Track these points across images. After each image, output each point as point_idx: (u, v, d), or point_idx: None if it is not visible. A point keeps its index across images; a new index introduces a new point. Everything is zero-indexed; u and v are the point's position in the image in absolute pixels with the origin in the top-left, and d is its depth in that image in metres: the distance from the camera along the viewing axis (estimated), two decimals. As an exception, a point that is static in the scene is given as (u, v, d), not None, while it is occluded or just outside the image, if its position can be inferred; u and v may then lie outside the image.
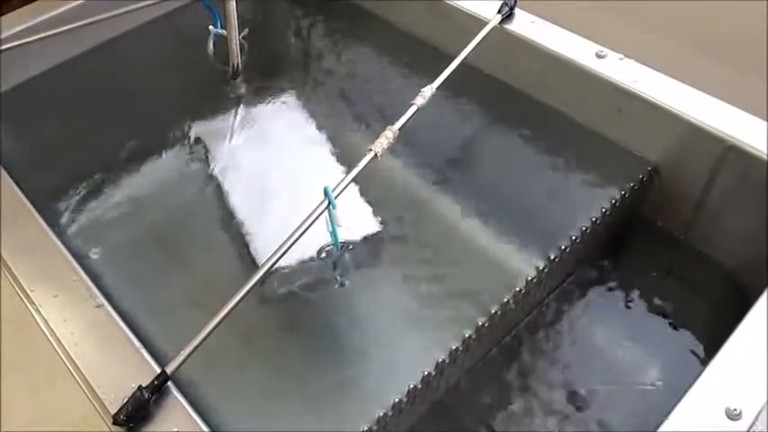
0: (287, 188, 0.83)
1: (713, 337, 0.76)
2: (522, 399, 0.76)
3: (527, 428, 0.74)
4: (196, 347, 0.55)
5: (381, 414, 0.60)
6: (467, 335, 0.65)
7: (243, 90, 0.95)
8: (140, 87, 0.95)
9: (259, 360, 0.65)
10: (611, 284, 0.83)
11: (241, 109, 0.93)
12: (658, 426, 0.52)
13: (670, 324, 0.79)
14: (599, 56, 0.80)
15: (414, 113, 0.73)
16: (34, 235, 0.66)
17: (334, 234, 0.69)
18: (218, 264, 0.77)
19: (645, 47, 0.80)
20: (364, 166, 0.68)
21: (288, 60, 1.01)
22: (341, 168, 0.85)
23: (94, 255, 0.74)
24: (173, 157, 0.89)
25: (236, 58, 0.93)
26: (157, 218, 0.81)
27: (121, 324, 0.59)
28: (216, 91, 0.95)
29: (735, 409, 0.50)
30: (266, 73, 0.98)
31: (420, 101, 0.74)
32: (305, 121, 0.91)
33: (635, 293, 0.82)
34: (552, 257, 0.71)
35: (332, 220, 0.67)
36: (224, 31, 0.91)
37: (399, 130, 0.71)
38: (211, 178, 0.85)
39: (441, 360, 0.63)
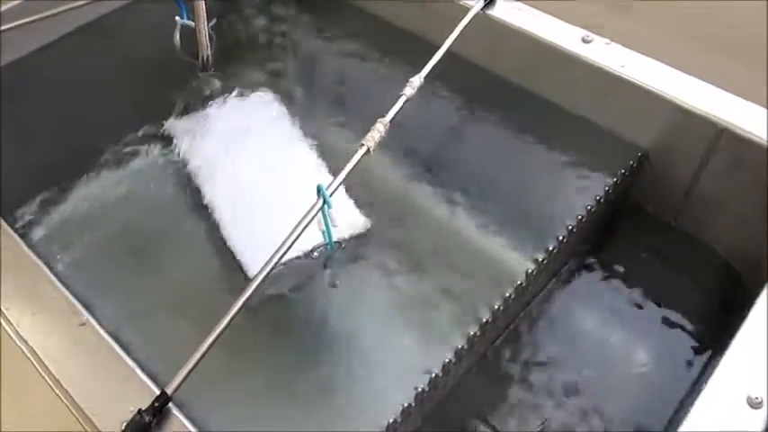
0: (268, 185, 0.80)
1: (706, 321, 0.77)
2: (518, 388, 0.74)
3: (523, 417, 0.73)
4: (195, 365, 0.52)
5: (391, 421, 0.57)
6: (471, 333, 0.63)
7: (214, 84, 0.90)
8: (103, 85, 0.89)
9: (259, 371, 0.61)
10: (602, 271, 0.82)
11: (214, 104, 0.88)
12: (677, 412, 0.52)
13: (662, 309, 0.79)
14: (585, 41, 0.78)
15: (403, 104, 0.70)
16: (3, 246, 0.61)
17: (328, 233, 0.66)
18: (201, 269, 0.73)
19: (629, 32, 0.79)
20: (357, 162, 0.65)
21: (260, 51, 0.96)
22: (323, 162, 0.81)
23: (67, 265, 0.70)
24: (145, 158, 0.84)
25: (206, 50, 0.89)
26: (135, 225, 0.77)
27: (110, 341, 0.55)
28: (186, 86, 0.90)
29: (756, 398, 0.50)
30: (238, 65, 0.93)
31: (409, 91, 0.71)
32: (283, 114, 0.87)
33: (626, 279, 0.81)
34: (550, 249, 0.70)
35: (326, 219, 0.64)
36: (191, 22, 0.87)
37: (390, 122, 0.68)
38: (188, 179, 0.81)
39: (447, 361, 0.61)
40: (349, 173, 0.65)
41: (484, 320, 0.64)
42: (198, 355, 0.52)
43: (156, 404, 0.49)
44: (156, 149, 0.85)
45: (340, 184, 0.64)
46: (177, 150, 0.84)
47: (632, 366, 0.77)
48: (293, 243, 0.59)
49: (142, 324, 0.65)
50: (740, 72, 0.76)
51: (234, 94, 0.89)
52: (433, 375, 0.60)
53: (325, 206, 0.62)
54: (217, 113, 0.87)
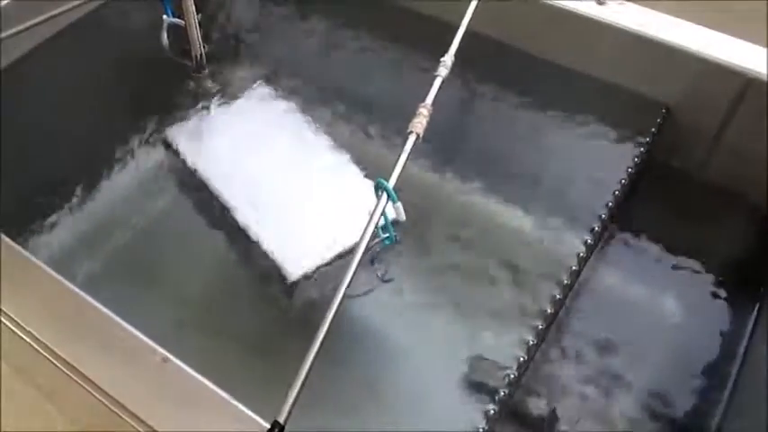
0: (291, 183, 0.76)
1: (740, 266, 0.78)
2: (558, 352, 0.74)
3: (564, 380, 0.73)
4: (300, 389, 0.48)
5: (492, 411, 0.56)
6: (539, 326, 0.63)
7: (211, 84, 0.85)
8: (92, 93, 0.82)
9: (356, 381, 0.59)
10: (630, 229, 0.82)
11: (216, 105, 0.83)
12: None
13: (693, 260, 0.79)
14: (599, 2, 0.77)
15: (440, 85, 0.67)
16: (47, 290, 0.55)
17: (387, 227, 0.63)
18: (236, 277, 0.71)
19: None
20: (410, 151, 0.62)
21: (253, 47, 0.91)
22: (336, 158, 0.78)
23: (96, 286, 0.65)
24: (149, 168, 0.78)
25: (200, 48, 0.83)
26: (154, 239, 0.73)
27: (195, 374, 0.50)
28: (181, 89, 0.84)
29: None
30: (232, 61, 0.88)
31: (443, 71, 0.68)
32: (290, 109, 0.83)
33: (654, 235, 0.81)
34: (596, 229, 0.70)
35: (386, 214, 0.61)
36: (178, 20, 0.81)
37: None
38: (200, 186, 0.76)
39: (521, 360, 0.61)
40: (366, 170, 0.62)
41: (548, 312, 0.64)
42: (300, 380, 0.48)
43: (273, 435, 0.46)
44: (158, 157, 0.80)
45: (398, 177, 0.61)
46: (183, 157, 0.78)
47: (667, 320, 0.78)
48: (366, 246, 0.56)
49: (188, 339, 0.62)
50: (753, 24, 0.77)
51: (234, 92, 0.84)
52: (512, 377, 0.59)
53: (391, 201, 0.59)
54: (220, 115, 0.82)
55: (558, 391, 0.71)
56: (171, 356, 0.51)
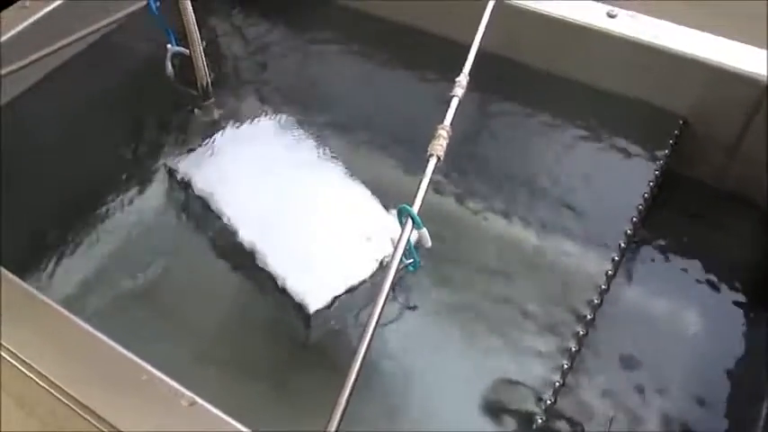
0: (309, 215, 0.74)
1: (757, 278, 0.77)
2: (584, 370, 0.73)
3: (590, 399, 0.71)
4: (343, 412, 0.46)
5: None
6: (573, 349, 0.61)
7: (217, 113, 0.83)
8: (99, 124, 0.80)
9: (384, 411, 0.57)
10: (647, 240, 0.81)
11: (221, 134, 0.80)
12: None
13: (710, 272, 0.78)
14: (610, 15, 0.77)
15: (457, 106, 0.66)
16: (57, 327, 0.53)
17: (412, 252, 0.61)
18: (258, 313, 0.69)
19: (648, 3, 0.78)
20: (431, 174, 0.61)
21: (260, 74, 0.89)
22: (350, 185, 0.76)
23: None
24: (158, 199, 0.77)
25: (205, 77, 0.81)
26: (170, 273, 0.71)
27: (224, 416, 0.48)
28: (187, 118, 0.82)
29: None
30: (239, 91, 0.86)
31: (459, 91, 0.67)
32: (295, 139, 0.81)
33: (671, 246, 0.79)
34: (622, 246, 0.69)
35: (409, 239, 0.60)
36: (183, 49, 0.79)
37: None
38: (212, 218, 0.74)
39: (557, 385, 0.59)
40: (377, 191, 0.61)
41: (581, 334, 0.62)
42: (342, 403, 0.46)
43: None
44: (165, 188, 0.78)
45: (421, 203, 0.59)
46: (191, 187, 0.77)
47: (691, 334, 0.76)
48: (396, 274, 0.54)
49: (208, 378, 0.61)
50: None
51: (241, 120, 0.83)
52: (548, 403, 0.57)
53: (416, 227, 0.57)
54: (228, 143, 0.80)
55: (585, 410, 0.70)
56: (198, 399, 0.48)
